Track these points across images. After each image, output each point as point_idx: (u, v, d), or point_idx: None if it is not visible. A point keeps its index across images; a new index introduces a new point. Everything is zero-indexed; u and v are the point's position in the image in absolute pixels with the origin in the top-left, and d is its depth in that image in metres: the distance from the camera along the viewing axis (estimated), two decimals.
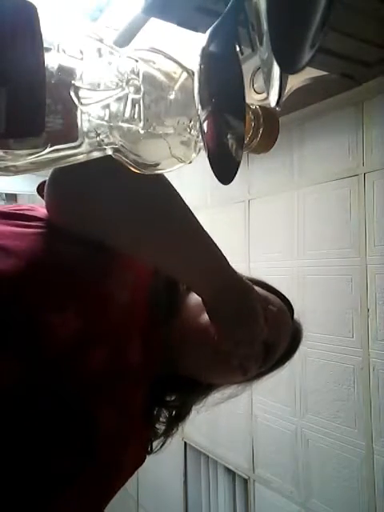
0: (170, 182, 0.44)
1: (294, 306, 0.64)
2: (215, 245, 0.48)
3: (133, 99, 0.32)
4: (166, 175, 0.42)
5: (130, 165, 0.35)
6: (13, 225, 0.44)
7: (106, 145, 0.32)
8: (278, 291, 0.62)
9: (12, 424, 0.38)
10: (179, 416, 0.59)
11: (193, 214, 0.46)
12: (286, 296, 0.63)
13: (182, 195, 0.46)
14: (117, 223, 0.42)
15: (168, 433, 0.58)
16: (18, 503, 0.38)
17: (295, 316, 0.64)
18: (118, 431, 0.45)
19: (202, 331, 0.51)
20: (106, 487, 0.45)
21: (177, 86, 0.34)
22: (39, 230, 0.44)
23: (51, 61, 0.28)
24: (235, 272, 0.50)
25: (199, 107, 0.32)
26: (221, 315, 0.48)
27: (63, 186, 0.41)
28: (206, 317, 0.49)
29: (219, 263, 0.49)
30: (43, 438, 0.40)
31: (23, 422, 0.39)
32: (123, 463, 0.47)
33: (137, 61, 0.33)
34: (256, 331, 0.49)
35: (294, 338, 0.62)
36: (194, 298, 0.52)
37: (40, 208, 0.47)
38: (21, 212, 0.46)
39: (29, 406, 0.39)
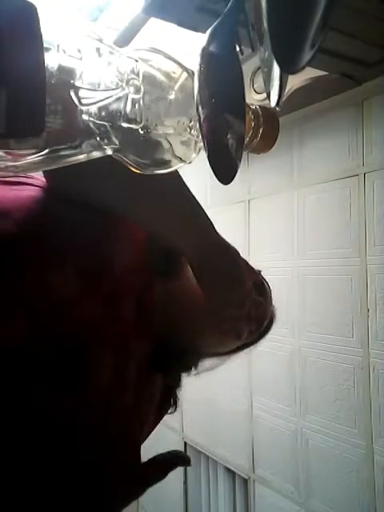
0: None
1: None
2: (199, 206, 0.49)
3: (133, 99, 0.32)
4: None
5: (130, 165, 0.35)
6: (7, 189, 0.44)
7: (106, 145, 0.32)
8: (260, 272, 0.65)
9: (20, 379, 0.39)
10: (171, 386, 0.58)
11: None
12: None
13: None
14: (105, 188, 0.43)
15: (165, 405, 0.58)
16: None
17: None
18: (113, 384, 0.46)
19: (195, 296, 0.52)
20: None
21: (177, 86, 0.34)
22: (36, 194, 0.44)
23: (51, 61, 0.28)
24: (217, 233, 0.51)
25: (199, 107, 0.32)
26: (205, 273, 0.49)
27: None
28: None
29: (201, 222, 0.49)
30: (46, 391, 0.41)
31: (29, 377, 0.40)
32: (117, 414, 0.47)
33: (137, 61, 0.33)
34: (243, 289, 0.50)
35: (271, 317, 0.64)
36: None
37: (38, 177, 0.47)
38: (16, 179, 0.46)
39: (35, 362, 0.40)
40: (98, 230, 0.46)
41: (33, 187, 0.45)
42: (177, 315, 0.53)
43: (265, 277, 0.63)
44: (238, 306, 0.51)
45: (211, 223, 0.51)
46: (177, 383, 0.59)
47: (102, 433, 0.44)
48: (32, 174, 0.48)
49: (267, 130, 0.42)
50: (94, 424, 0.43)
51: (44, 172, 0.44)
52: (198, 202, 0.50)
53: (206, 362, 0.62)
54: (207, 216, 0.51)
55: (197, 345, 0.57)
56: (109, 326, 0.46)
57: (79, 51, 0.30)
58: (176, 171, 0.46)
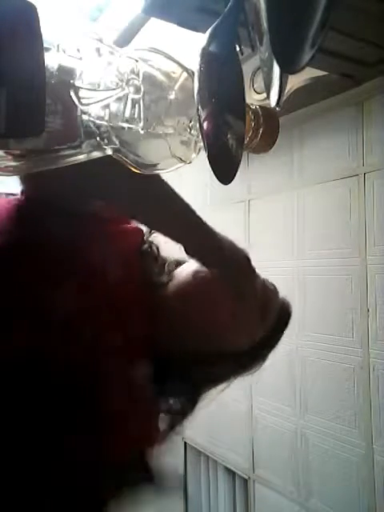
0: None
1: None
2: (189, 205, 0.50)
3: (133, 99, 0.32)
4: (166, 175, 0.42)
5: (130, 165, 0.35)
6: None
7: (106, 145, 0.32)
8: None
9: (24, 394, 0.40)
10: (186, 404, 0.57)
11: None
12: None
13: (182, 195, 0.47)
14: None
15: (175, 422, 0.57)
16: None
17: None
18: (121, 397, 0.46)
19: (198, 293, 0.53)
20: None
21: (177, 86, 0.34)
22: (20, 204, 0.44)
23: (51, 61, 0.28)
24: (211, 232, 0.53)
25: (199, 107, 0.32)
26: (211, 264, 0.51)
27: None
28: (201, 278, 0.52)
29: (197, 218, 0.51)
30: (53, 408, 0.41)
31: (33, 393, 0.40)
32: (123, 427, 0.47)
33: (137, 61, 0.33)
34: (248, 274, 0.53)
35: (284, 312, 0.63)
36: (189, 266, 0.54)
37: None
38: None
39: (38, 378, 0.40)
40: (91, 240, 0.45)
41: (13, 198, 0.45)
42: (181, 317, 0.53)
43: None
44: (241, 298, 0.52)
45: (203, 222, 0.52)
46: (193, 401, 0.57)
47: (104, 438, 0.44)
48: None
49: (267, 130, 0.42)
50: (96, 430, 0.44)
51: (25, 179, 0.43)
52: (188, 205, 0.50)
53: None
54: (199, 216, 0.51)
55: (205, 346, 0.56)
56: (110, 338, 0.46)
57: (79, 51, 0.30)
58: (158, 175, 0.46)
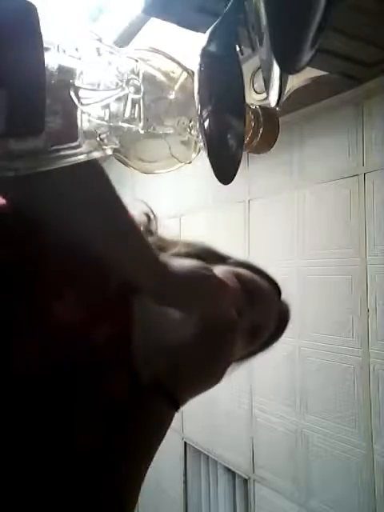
0: (103, 170, 0.40)
1: (280, 287, 0.64)
2: (140, 232, 0.46)
3: (133, 99, 0.32)
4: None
5: (130, 165, 0.35)
6: None
7: (106, 145, 0.32)
8: (265, 272, 0.62)
9: (31, 406, 0.40)
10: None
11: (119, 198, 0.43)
12: (273, 277, 0.63)
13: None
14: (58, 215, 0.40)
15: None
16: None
17: (283, 297, 0.65)
18: (126, 403, 0.46)
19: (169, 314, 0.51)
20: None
21: (177, 86, 0.34)
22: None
23: (51, 61, 0.28)
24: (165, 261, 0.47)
25: (199, 107, 0.32)
26: (171, 300, 0.46)
27: None
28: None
29: (151, 252, 0.46)
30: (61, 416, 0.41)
31: (39, 405, 0.41)
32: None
33: (137, 61, 0.33)
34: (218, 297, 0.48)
35: (281, 319, 0.62)
36: None
37: None
38: None
39: (44, 388, 0.41)
40: (85, 253, 0.45)
41: None
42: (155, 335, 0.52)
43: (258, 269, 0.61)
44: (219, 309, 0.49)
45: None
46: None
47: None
48: None
49: (267, 130, 0.42)
50: (98, 437, 0.44)
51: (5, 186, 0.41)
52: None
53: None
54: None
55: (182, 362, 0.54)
56: (109, 348, 0.46)
57: (79, 51, 0.30)
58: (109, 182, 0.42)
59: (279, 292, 0.63)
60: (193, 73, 0.33)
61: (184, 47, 0.70)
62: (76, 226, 0.41)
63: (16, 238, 0.42)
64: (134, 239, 0.45)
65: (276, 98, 0.32)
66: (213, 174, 0.35)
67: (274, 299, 0.61)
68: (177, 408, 0.49)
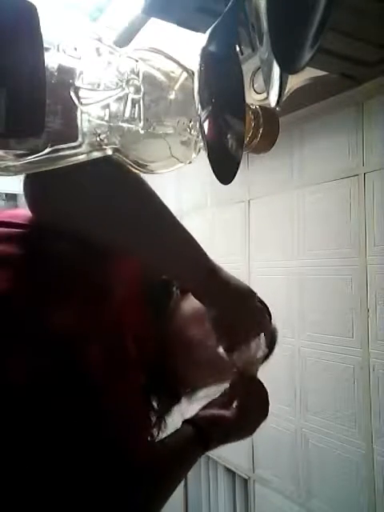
0: (144, 179, 0.42)
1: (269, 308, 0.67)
2: (192, 237, 0.49)
3: (133, 99, 0.32)
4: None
5: (130, 165, 0.35)
6: None
7: (106, 145, 0.32)
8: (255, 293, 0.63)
9: (27, 420, 0.40)
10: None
11: (167, 209, 0.46)
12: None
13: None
14: (95, 222, 0.41)
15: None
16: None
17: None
18: (120, 418, 0.47)
19: (190, 329, 0.53)
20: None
21: (177, 86, 0.34)
22: (22, 233, 0.43)
23: (51, 61, 0.28)
24: (215, 264, 0.51)
25: (199, 107, 0.32)
26: (212, 304, 0.49)
27: (40, 184, 0.38)
28: (200, 319, 0.51)
29: (200, 254, 0.49)
30: (54, 430, 0.42)
31: (36, 419, 0.41)
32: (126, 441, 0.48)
33: (137, 61, 0.33)
34: (251, 313, 0.52)
35: (272, 341, 0.65)
36: (189, 305, 0.55)
37: (21, 212, 0.46)
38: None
39: (39, 403, 0.40)
40: (93, 264, 0.45)
41: (14, 225, 0.43)
42: (174, 352, 0.55)
43: (261, 298, 0.63)
44: (245, 337, 0.52)
45: (204, 251, 0.50)
46: (167, 410, 0.62)
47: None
48: (15, 212, 0.46)
49: (267, 130, 0.42)
50: (99, 449, 0.44)
51: (32, 207, 0.42)
52: (188, 233, 0.49)
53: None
54: (198, 243, 0.50)
55: (191, 381, 0.59)
56: (110, 360, 0.47)
57: (79, 51, 0.30)
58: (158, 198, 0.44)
59: (269, 312, 0.66)
60: (193, 73, 0.33)
61: (184, 47, 0.70)
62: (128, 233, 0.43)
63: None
64: (185, 235, 0.48)
65: (276, 97, 0.32)
66: (213, 174, 0.35)
67: (274, 328, 0.64)
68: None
